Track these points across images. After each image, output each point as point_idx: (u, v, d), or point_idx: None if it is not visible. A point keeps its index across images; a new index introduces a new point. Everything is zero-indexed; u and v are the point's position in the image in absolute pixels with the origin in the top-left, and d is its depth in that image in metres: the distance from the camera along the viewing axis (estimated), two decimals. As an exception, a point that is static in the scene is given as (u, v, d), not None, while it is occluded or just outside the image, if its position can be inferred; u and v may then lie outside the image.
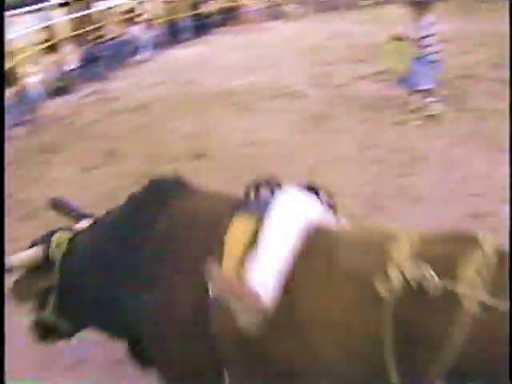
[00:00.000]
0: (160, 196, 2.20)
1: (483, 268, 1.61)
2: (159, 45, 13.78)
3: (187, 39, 14.76)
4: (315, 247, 1.88)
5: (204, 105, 8.12)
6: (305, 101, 7.92)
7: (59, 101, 10.08)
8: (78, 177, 6.06)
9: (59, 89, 10.48)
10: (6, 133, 7.96)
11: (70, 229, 2.46)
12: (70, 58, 11.38)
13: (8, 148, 7.44)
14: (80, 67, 11.63)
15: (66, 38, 11.58)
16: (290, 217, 1.97)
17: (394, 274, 1.66)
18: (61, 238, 2.36)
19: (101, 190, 5.53)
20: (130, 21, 13.92)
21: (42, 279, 2.34)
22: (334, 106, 7.39)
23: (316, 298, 1.79)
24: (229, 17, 15.86)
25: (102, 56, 12.06)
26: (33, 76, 9.72)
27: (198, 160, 6.02)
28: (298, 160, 5.72)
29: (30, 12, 10.80)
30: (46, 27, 10.82)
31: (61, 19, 12.32)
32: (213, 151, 6.20)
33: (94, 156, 6.54)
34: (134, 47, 13.27)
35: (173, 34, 14.67)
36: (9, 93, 8.15)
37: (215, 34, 15.15)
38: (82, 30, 11.75)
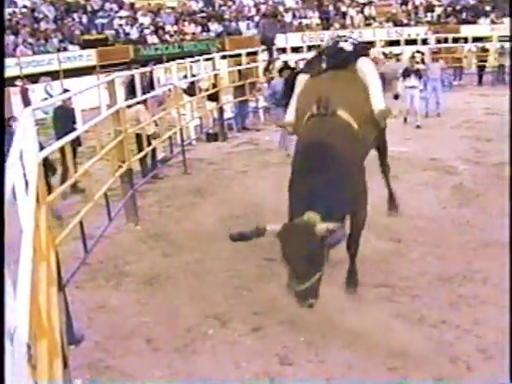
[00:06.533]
0: None
1: None
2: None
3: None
4: None
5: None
6: (456, 177, 7.61)
7: (210, 146, 10.64)
8: (218, 226, 6.00)
9: (211, 134, 11.07)
10: (165, 171, 8.59)
11: None
12: (228, 107, 12.03)
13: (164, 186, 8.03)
14: (235, 117, 12.26)
15: (227, 88, 12.32)
16: None
17: None
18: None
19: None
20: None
21: None
22: (488, 186, 7.03)
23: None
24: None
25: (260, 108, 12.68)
26: (193, 120, 10.40)
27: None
28: (446, 240, 5.57)
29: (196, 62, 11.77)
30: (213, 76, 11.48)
31: (225, 70, 13.22)
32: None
33: (236, 206, 6.63)
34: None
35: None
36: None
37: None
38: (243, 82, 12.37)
